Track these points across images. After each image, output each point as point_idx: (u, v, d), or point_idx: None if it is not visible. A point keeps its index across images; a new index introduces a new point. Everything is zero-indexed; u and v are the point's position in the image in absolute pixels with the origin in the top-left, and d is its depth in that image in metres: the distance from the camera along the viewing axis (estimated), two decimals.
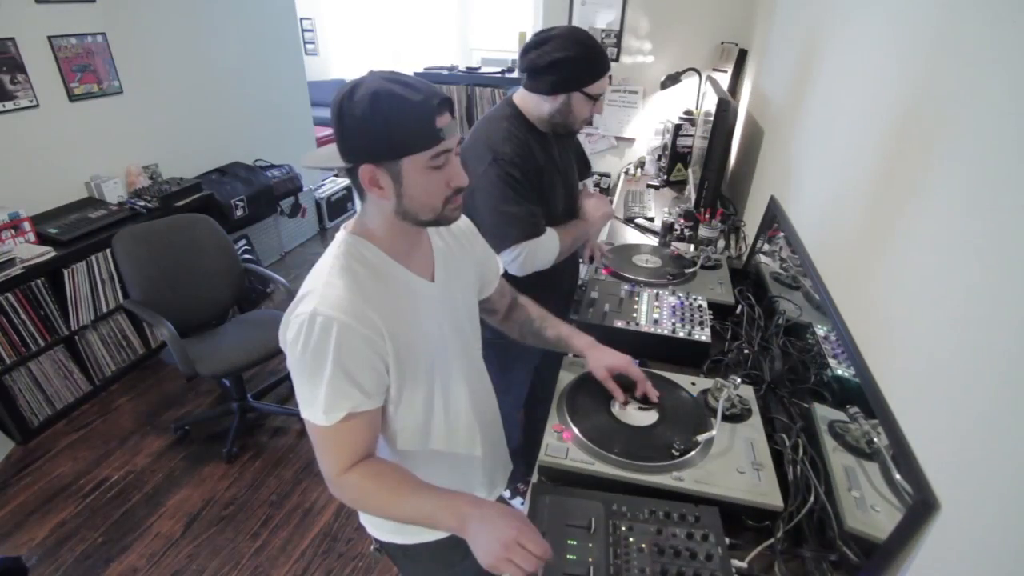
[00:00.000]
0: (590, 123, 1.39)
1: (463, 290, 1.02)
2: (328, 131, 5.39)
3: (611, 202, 2.30)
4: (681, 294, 1.44)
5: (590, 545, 0.83)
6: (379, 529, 1.07)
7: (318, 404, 0.80)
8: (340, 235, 0.89)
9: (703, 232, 1.90)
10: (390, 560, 1.16)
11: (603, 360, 1.10)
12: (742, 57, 2.61)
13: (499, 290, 1.16)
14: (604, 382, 1.09)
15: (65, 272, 2.39)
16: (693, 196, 2.12)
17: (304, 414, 0.83)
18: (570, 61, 1.25)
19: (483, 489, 1.12)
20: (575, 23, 3.01)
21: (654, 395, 1.08)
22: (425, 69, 3.67)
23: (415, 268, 0.91)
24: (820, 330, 1.11)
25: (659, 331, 1.31)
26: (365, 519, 1.08)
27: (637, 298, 1.43)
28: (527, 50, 1.29)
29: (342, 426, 0.82)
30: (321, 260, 0.87)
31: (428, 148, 0.77)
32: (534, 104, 1.34)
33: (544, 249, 1.36)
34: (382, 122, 0.74)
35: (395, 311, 0.85)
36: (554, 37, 1.26)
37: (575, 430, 1.02)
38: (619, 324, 1.33)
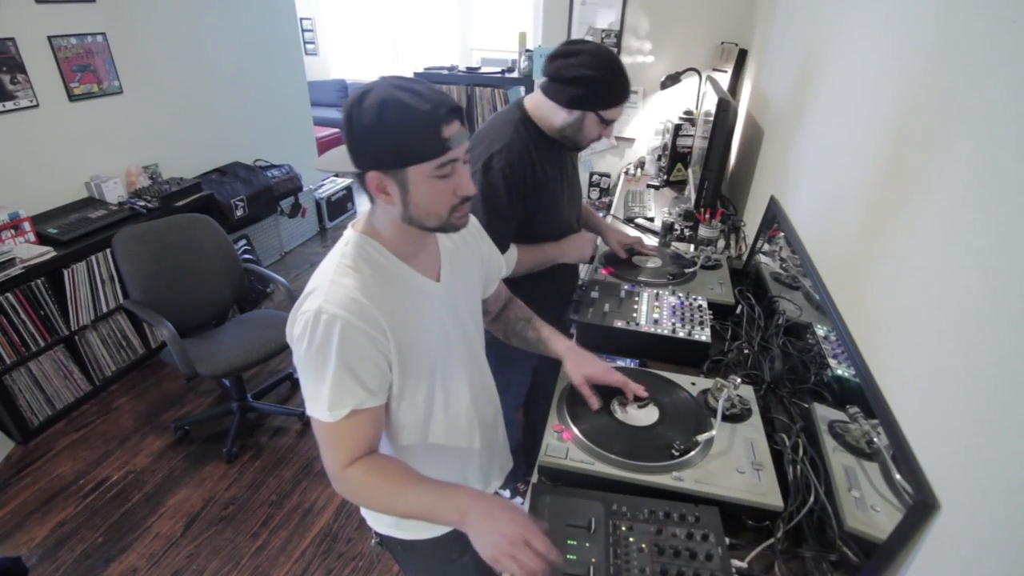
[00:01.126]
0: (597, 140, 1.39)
1: (467, 289, 1.03)
2: (328, 131, 5.41)
3: (608, 216, 2.30)
4: (681, 294, 1.44)
5: (590, 545, 0.83)
6: (380, 523, 1.07)
7: (322, 400, 0.81)
8: (347, 233, 0.89)
9: (703, 232, 1.90)
10: (390, 554, 1.17)
11: (581, 368, 1.08)
12: (742, 57, 2.61)
13: (496, 292, 1.17)
14: (579, 388, 1.08)
15: (65, 272, 2.39)
16: (693, 196, 2.12)
17: (309, 410, 0.84)
18: (594, 81, 1.24)
19: (477, 483, 1.13)
20: (575, 23, 3.01)
21: (641, 392, 1.07)
22: (425, 69, 3.66)
23: (421, 268, 0.92)
24: (820, 330, 1.11)
25: (659, 331, 1.31)
26: (366, 512, 1.09)
27: (637, 298, 1.43)
28: (554, 57, 1.27)
29: (346, 422, 0.82)
30: (328, 257, 0.88)
31: (434, 158, 0.78)
32: (548, 111, 1.33)
33: None
34: (388, 131, 0.75)
35: (400, 310, 0.86)
36: (585, 52, 1.24)
37: (575, 430, 1.03)
38: (619, 324, 1.33)
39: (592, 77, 1.24)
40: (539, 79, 1.36)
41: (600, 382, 1.08)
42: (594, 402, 1.06)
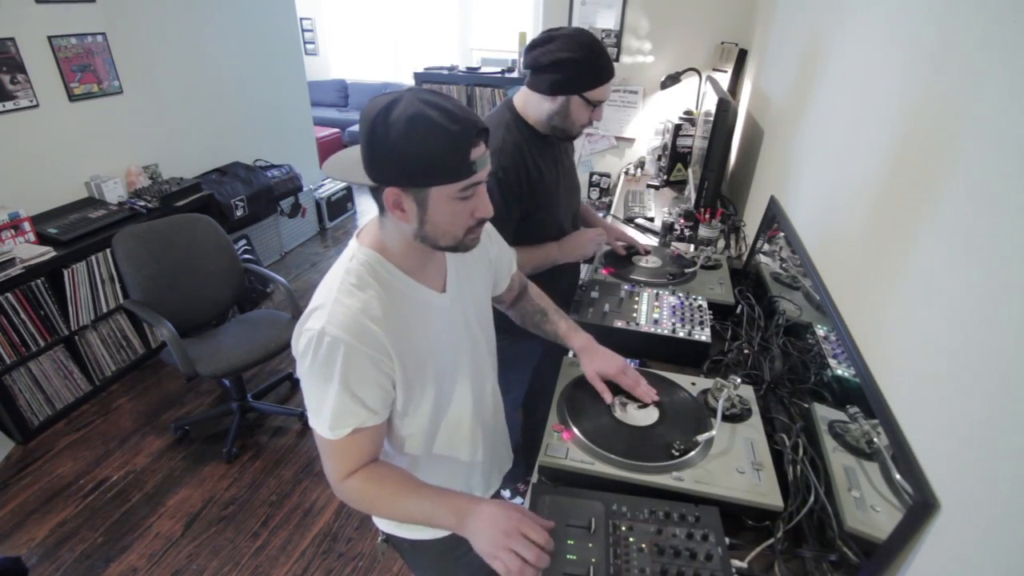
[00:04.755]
0: (589, 125, 1.38)
1: (475, 295, 1.02)
2: (328, 131, 5.41)
3: (608, 216, 2.30)
4: (681, 294, 1.44)
5: (590, 545, 0.83)
6: (386, 523, 1.08)
7: (324, 418, 0.81)
8: (353, 246, 0.88)
9: (703, 232, 1.90)
10: (397, 552, 1.17)
11: (594, 364, 1.09)
12: (742, 57, 2.61)
13: (508, 285, 1.16)
14: (593, 382, 1.08)
15: (65, 272, 2.39)
16: (693, 196, 2.12)
17: (311, 423, 0.84)
18: (572, 63, 1.22)
19: (479, 489, 1.13)
20: (575, 23, 3.01)
21: (652, 396, 1.07)
22: (425, 69, 3.67)
23: (427, 281, 0.91)
24: (820, 330, 1.11)
25: (659, 331, 1.31)
26: None
27: (637, 298, 1.43)
28: (532, 47, 1.26)
29: (347, 439, 0.83)
30: (332, 272, 0.86)
31: (459, 180, 0.76)
32: (534, 105, 1.32)
33: None
34: (415, 149, 0.72)
35: (404, 328, 0.85)
36: (560, 36, 1.23)
37: (575, 430, 1.02)
38: (619, 324, 1.33)
39: (570, 59, 1.22)
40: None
41: (614, 380, 1.08)
42: (607, 396, 1.07)
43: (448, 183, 0.76)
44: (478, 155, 0.76)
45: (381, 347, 0.82)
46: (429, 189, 0.76)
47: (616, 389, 1.09)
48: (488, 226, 1.07)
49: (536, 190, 1.36)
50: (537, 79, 1.28)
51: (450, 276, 0.96)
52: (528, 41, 1.38)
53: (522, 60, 1.31)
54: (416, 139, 0.72)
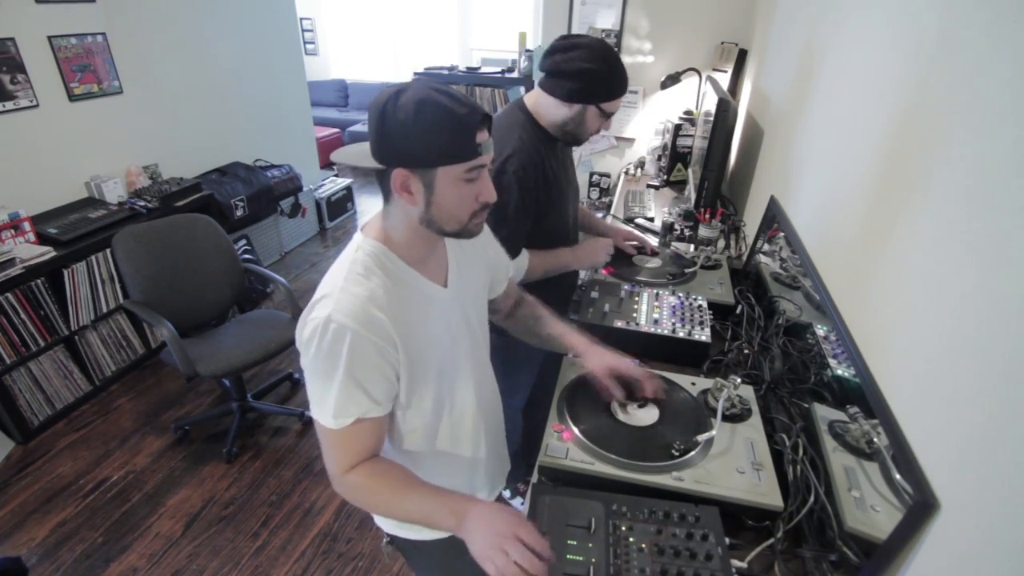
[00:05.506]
0: (597, 133, 1.39)
1: (474, 293, 1.03)
2: (328, 131, 5.37)
3: (608, 216, 2.30)
4: (681, 294, 1.44)
5: (590, 545, 0.83)
6: (389, 523, 1.08)
7: (327, 407, 0.81)
8: (358, 238, 0.89)
9: (703, 232, 1.90)
10: (401, 554, 1.17)
11: (605, 360, 1.10)
12: (742, 57, 2.61)
13: (505, 291, 1.17)
14: (603, 379, 1.09)
15: (65, 272, 2.39)
16: (693, 196, 2.12)
17: (313, 413, 0.84)
18: (595, 74, 1.24)
19: (485, 489, 1.13)
20: (575, 23, 3.01)
21: (659, 391, 1.07)
22: (425, 69, 3.67)
23: (430, 274, 0.92)
24: (820, 330, 1.11)
25: (659, 331, 1.31)
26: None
27: (637, 298, 1.43)
28: (553, 51, 1.28)
29: (350, 429, 0.83)
30: (338, 263, 0.87)
31: (465, 161, 0.79)
32: (548, 108, 1.33)
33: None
34: (424, 129, 0.75)
35: (408, 318, 0.86)
36: (584, 46, 1.25)
37: (575, 430, 1.03)
38: (619, 324, 1.33)
39: (591, 70, 1.24)
40: (537, 75, 1.35)
41: (623, 375, 1.09)
42: (619, 393, 1.07)
43: (455, 163, 0.78)
44: (483, 139, 0.79)
45: (387, 336, 0.82)
46: (436, 170, 0.79)
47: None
48: (486, 228, 1.08)
49: (550, 191, 1.37)
50: (555, 84, 1.29)
51: (451, 271, 0.97)
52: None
53: (540, 62, 1.31)
54: (425, 120, 0.75)
